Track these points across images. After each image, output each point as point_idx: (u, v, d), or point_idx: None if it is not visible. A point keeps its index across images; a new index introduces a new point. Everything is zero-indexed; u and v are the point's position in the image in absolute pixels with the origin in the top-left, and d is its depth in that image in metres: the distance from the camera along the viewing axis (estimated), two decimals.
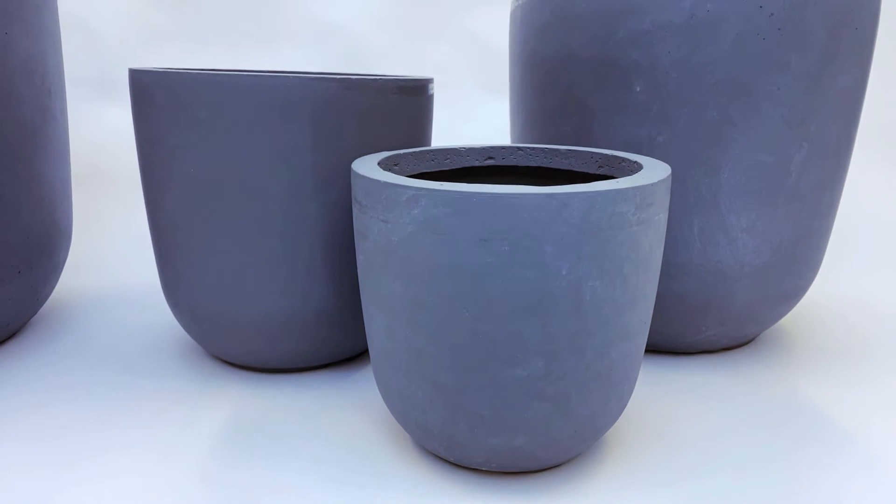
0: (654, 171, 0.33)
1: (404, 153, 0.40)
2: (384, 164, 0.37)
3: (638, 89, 0.42)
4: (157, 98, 0.39)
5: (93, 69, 0.81)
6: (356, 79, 0.39)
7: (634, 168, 0.37)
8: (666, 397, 0.43)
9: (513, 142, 0.54)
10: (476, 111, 0.84)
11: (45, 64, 0.47)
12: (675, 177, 0.42)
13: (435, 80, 0.84)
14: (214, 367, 0.46)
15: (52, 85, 0.48)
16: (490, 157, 0.43)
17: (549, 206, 0.28)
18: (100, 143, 0.80)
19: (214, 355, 0.47)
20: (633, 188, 0.29)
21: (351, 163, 0.40)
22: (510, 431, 0.32)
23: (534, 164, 0.42)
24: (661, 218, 0.32)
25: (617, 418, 0.35)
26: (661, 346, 0.49)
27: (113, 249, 0.70)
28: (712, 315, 0.46)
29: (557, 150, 0.42)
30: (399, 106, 0.42)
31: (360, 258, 0.34)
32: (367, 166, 0.34)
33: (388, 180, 0.30)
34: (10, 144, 0.44)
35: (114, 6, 0.80)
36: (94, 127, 0.81)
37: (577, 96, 0.44)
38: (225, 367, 0.46)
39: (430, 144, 0.47)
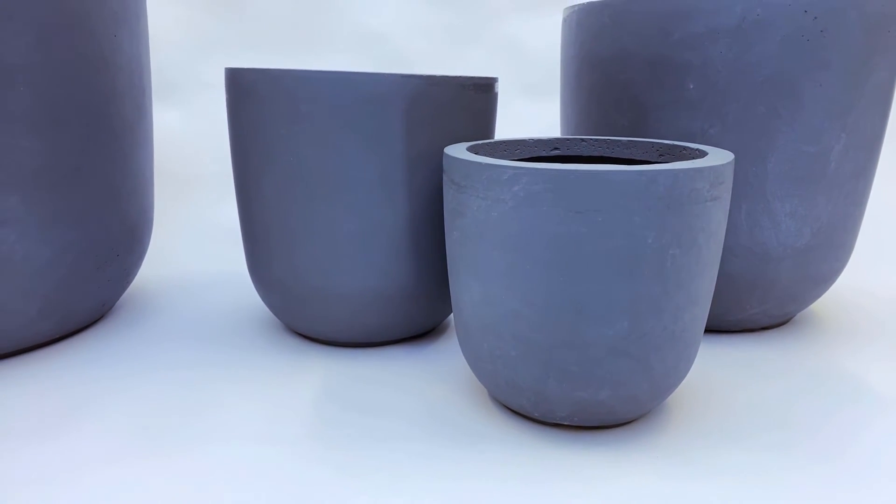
0: (719, 155, 0.37)
1: (482, 143, 0.44)
2: (470, 152, 0.41)
3: (691, 86, 0.46)
4: (260, 93, 0.43)
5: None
6: (440, 77, 0.43)
7: (696, 155, 0.41)
8: (718, 368, 0.47)
9: None
10: (514, 110, 0.88)
11: (141, 65, 0.51)
12: None
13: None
14: (300, 342, 0.50)
15: (146, 85, 0.52)
16: (556, 148, 0.47)
17: (639, 182, 0.32)
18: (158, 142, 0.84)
19: (299, 332, 0.50)
20: (709, 167, 0.33)
21: (433, 153, 0.44)
22: (595, 386, 0.35)
23: (596, 153, 0.46)
24: (727, 196, 0.36)
25: (684, 378, 0.38)
26: (707, 325, 0.53)
27: (181, 238, 0.74)
28: (757, 294, 0.50)
29: (619, 140, 0.46)
30: (473, 101, 0.46)
31: (453, 235, 0.38)
32: (461, 152, 0.38)
33: (490, 162, 0.34)
34: (115, 137, 0.48)
35: (167, 11, 0.85)
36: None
37: (633, 94, 0.48)
38: (309, 342, 0.50)
39: (494, 135, 0.51)
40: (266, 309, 0.57)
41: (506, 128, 0.87)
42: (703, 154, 0.40)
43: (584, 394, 0.36)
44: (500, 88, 0.88)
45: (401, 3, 0.87)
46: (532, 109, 0.88)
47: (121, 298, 0.58)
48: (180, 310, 0.56)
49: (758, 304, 0.50)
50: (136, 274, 0.55)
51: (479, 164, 0.35)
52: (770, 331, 0.54)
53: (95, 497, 0.32)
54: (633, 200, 0.32)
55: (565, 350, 0.35)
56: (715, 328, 0.53)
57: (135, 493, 0.32)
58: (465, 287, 0.38)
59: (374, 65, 0.87)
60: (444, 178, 0.39)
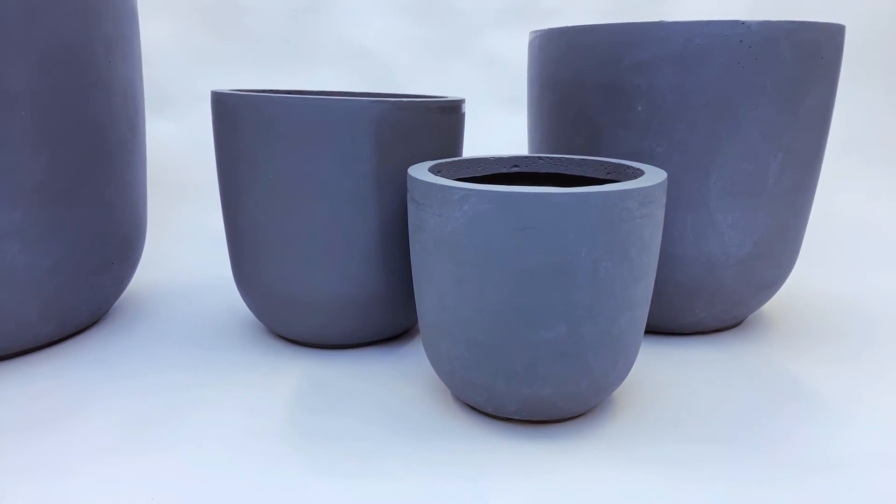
0: (653, 176, 0.41)
1: (446, 162, 0.48)
2: (432, 171, 0.45)
3: (639, 109, 0.50)
4: (242, 116, 0.47)
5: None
6: (406, 101, 0.47)
7: (637, 174, 0.45)
8: (664, 368, 0.51)
9: (531, 152, 0.62)
10: (490, 123, 0.92)
11: (134, 86, 0.55)
12: (671, 181, 0.50)
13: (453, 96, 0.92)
14: (280, 344, 0.54)
15: (139, 104, 0.56)
16: (515, 165, 0.51)
17: (573, 203, 0.36)
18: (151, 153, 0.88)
19: (280, 334, 0.54)
20: (637, 189, 0.37)
21: (401, 170, 0.48)
22: (539, 384, 0.39)
23: (552, 171, 0.50)
24: (659, 213, 0.40)
25: (624, 377, 0.42)
26: (660, 328, 0.57)
27: (173, 245, 0.78)
28: (703, 299, 0.54)
29: (572, 159, 0.50)
30: (439, 122, 0.50)
31: (415, 247, 0.42)
32: (421, 172, 0.42)
33: (443, 183, 0.38)
34: (110, 155, 0.52)
35: (158, 26, 0.89)
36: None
37: (588, 114, 0.52)
38: (289, 344, 0.54)
39: (461, 153, 0.55)
40: (250, 312, 0.61)
41: (482, 138, 0.91)
42: (640, 173, 0.44)
43: (529, 391, 0.40)
44: (478, 100, 0.92)
45: (385, 20, 0.91)
46: (507, 121, 0.92)
47: (115, 303, 0.62)
48: (171, 313, 0.60)
49: (705, 308, 0.54)
50: (129, 280, 0.59)
51: (434, 184, 0.39)
52: (720, 333, 0.58)
53: (89, 488, 0.36)
54: (568, 219, 0.36)
55: (512, 352, 0.39)
56: (668, 331, 0.57)
57: (125, 486, 0.36)
58: (426, 295, 0.42)
59: (360, 78, 0.91)
60: (408, 195, 0.43)
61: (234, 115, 0.48)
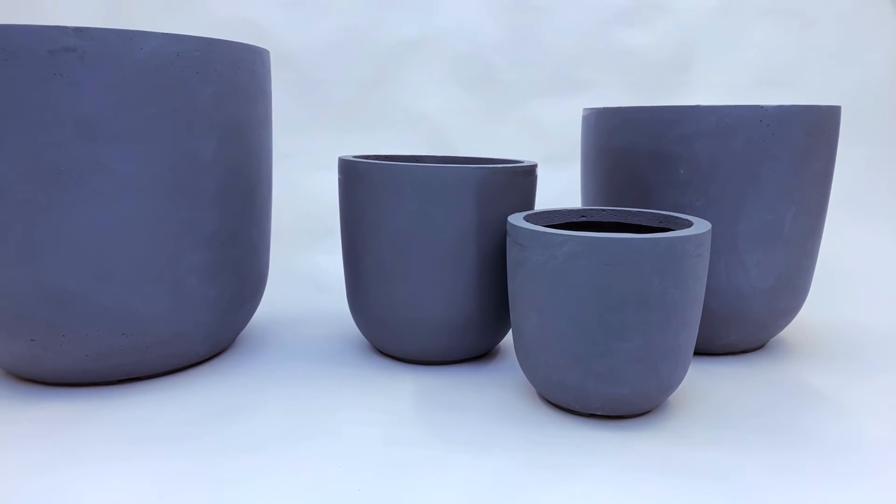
0: (701, 226, 0.54)
1: (533, 213, 0.60)
2: (526, 220, 0.58)
3: (682, 172, 0.63)
4: (373, 178, 0.60)
5: None
6: (499, 167, 0.60)
7: (684, 223, 0.57)
8: (704, 381, 0.63)
9: (584, 205, 0.75)
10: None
11: (270, 152, 0.68)
12: None
13: (503, 156, 1.06)
14: (389, 361, 0.66)
15: (271, 167, 0.70)
16: (583, 216, 0.64)
17: (647, 245, 0.48)
18: None
19: (388, 353, 0.66)
20: (694, 235, 0.50)
21: (494, 219, 0.61)
22: (619, 385, 0.51)
23: (613, 220, 0.63)
24: (707, 253, 0.52)
25: (681, 381, 0.54)
26: (699, 349, 0.69)
27: (283, 283, 0.91)
28: (734, 324, 0.66)
29: (630, 211, 0.62)
30: (521, 182, 0.63)
31: (516, 279, 0.54)
32: (520, 221, 0.55)
33: (545, 230, 0.51)
34: (256, 209, 0.65)
35: None
36: None
37: (639, 176, 0.66)
38: (397, 361, 0.66)
39: (535, 204, 0.68)
40: (359, 336, 0.73)
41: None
42: (689, 224, 0.56)
43: (611, 390, 0.52)
44: (522, 159, 1.05)
45: (442, 90, 1.06)
46: (550, 176, 1.06)
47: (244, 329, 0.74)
48: (291, 336, 0.72)
49: (736, 332, 0.66)
50: (255, 311, 0.71)
51: (538, 231, 0.51)
52: (747, 354, 0.70)
53: (269, 469, 0.48)
54: (643, 258, 0.49)
55: (598, 359, 0.51)
56: (704, 351, 0.69)
57: (305, 464, 0.48)
58: (526, 316, 0.54)
59: (419, 140, 1.05)
60: (509, 239, 0.55)
61: (365, 177, 0.61)
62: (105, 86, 0.51)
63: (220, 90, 0.57)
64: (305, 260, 0.96)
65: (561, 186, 1.04)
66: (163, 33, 0.54)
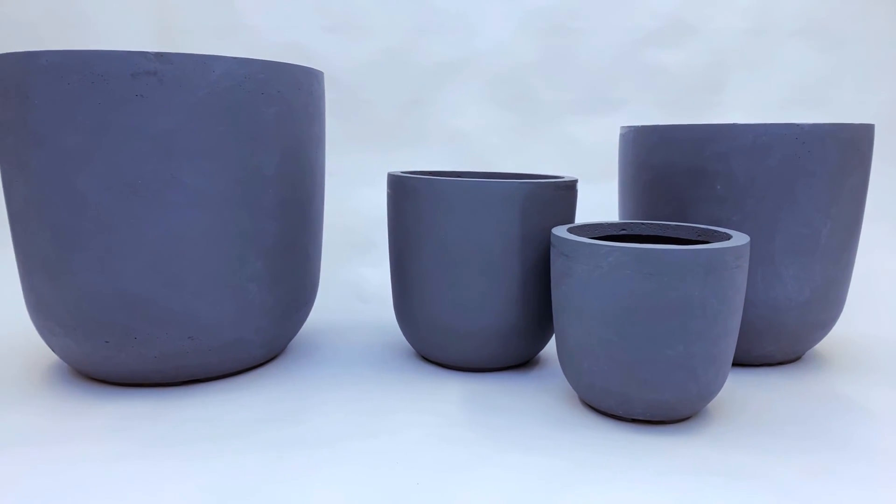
0: (740, 238, 0.56)
1: (576, 226, 0.63)
2: (570, 232, 0.61)
3: (719, 187, 0.65)
4: (422, 193, 0.64)
5: None
6: (543, 182, 0.63)
7: (722, 236, 0.60)
8: (742, 389, 0.64)
9: (622, 219, 0.77)
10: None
11: (324, 168, 0.72)
12: None
13: (538, 171, 1.09)
14: (435, 367, 0.69)
15: (324, 176, 0.73)
16: (623, 229, 0.66)
17: (689, 256, 0.51)
18: None
19: (434, 360, 0.69)
20: (733, 247, 0.52)
21: (538, 232, 0.64)
22: (661, 390, 0.53)
23: (652, 233, 0.66)
24: (745, 265, 0.55)
25: (721, 388, 0.56)
26: (736, 360, 0.70)
27: (330, 292, 0.94)
28: (771, 336, 0.67)
29: (668, 224, 0.65)
30: (564, 195, 0.66)
31: (561, 289, 0.57)
32: (564, 233, 0.58)
33: (591, 242, 0.54)
34: (311, 220, 0.68)
35: None
36: None
37: (676, 191, 0.68)
38: (442, 368, 0.69)
39: (575, 217, 0.71)
40: (404, 344, 0.76)
41: None
42: (728, 237, 0.59)
43: (654, 396, 0.54)
44: (558, 174, 1.08)
45: (478, 108, 1.09)
46: (584, 190, 1.08)
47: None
48: (339, 342, 0.76)
49: (772, 343, 0.68)
50: (307, 318, 0.75)
51: (584, 243, 0.54)
52: (784, 365, 0.71)
53: (333, 461, 0.51)
54: (685, 268, 0.51)
55: (642, 366, 0.53)
56: (742, 362, 0.70)
57: (366, 460, 0.51)
58: (570, 324, 0.57)
59: (457, 157, 1.09)
60: (553, 250, 0.58)
61: (414, 191, 0.64)
62: (180, 106, 0.56)
63: (282, 110, 0.61)
64: (350, 272, 1.00)
65: (596, 201, 1.07)
66: (232, 57, 0.58)
